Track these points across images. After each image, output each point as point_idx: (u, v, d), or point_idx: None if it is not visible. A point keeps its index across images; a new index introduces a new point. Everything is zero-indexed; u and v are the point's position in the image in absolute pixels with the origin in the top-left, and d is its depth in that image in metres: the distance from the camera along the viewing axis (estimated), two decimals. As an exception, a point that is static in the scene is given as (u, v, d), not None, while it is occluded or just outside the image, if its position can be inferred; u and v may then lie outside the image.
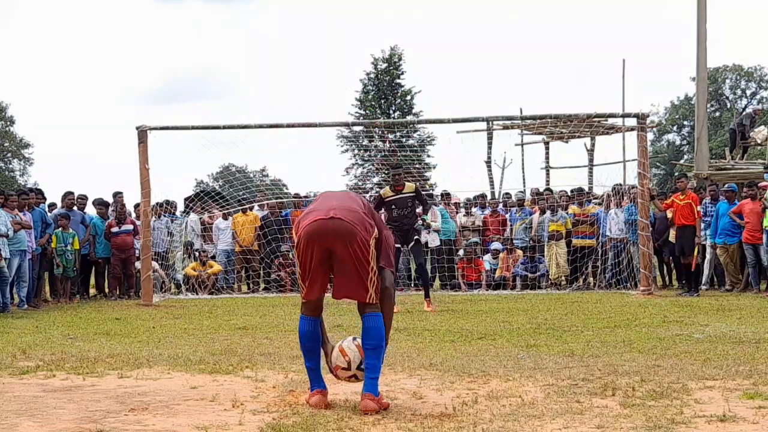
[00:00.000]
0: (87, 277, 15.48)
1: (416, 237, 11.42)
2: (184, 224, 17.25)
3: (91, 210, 15.54)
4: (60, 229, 13.53)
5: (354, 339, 4.78)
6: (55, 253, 13.41)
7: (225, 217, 16.87)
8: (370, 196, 20.46)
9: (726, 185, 14.91)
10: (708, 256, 14.40)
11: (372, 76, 39.85)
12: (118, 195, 15.87)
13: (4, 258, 11.63)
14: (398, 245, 10.99)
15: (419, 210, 11.86)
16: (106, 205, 15.51)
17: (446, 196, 17.87)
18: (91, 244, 14.90)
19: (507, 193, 18.62)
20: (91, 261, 15.07)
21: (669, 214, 15.02)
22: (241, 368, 6.04)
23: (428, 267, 16.19)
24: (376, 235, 4.63)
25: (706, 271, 14.55)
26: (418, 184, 12.28)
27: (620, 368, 5.77)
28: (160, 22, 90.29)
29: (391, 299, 4.73)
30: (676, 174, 26.78)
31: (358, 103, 39.78)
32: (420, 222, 11.64)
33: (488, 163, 22.18)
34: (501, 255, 15.91)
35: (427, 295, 11.70)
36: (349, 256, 4.50)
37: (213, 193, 19.50)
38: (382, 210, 11.18)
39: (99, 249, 14.97)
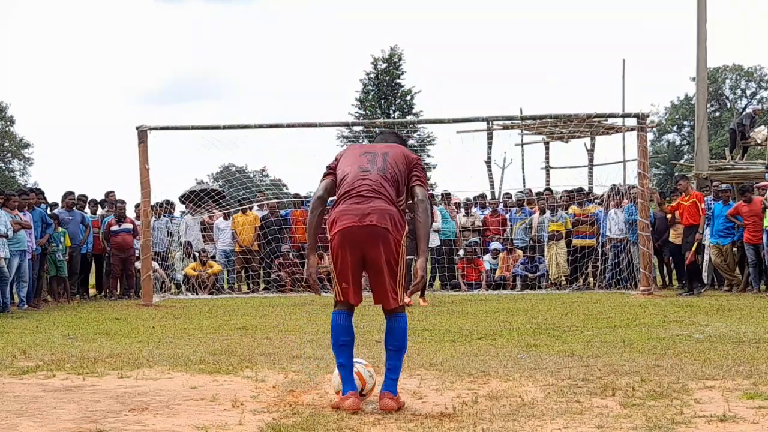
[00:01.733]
0: (87, 277, 15.50)
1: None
2: (181, 224, 17.26)
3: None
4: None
5: (354, 365, 4.75)
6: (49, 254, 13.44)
7: (226, 217, 16.88)
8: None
9: (721, 186, 14.87)
10: (706, 256, 14.39)
11: (372, 76, 39.84)
12: (110, 194, 15.94)
13: (4, 258, 11.63)
14: (410, 257, 11.38)
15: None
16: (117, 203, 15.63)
17: (446, 196, 17.87)
18: (102, 239, 15.06)
19: (507, 193, 18.63)
20: (92, 256, 15.15)
21: (669, 215, 15.04)
22: (241, 368, 6.04)
23: (428, 267, 16.22)
24: (407, 231, 4.67)
25: (705, 272, 14.54)
26: (430, 192, 13.17)
27: (620, 368, 5.77)
28: (161, 22, 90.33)
29: (426, 211, 4.66)
30: (676, 174, 26.77)
31: (358, 103, 39.77)
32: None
33: (488, 163, 22.18)
34: (501, 255, 15.91)
35: (422, 293, 12.20)
36: (381, 262, 4.52)
37: (210, 191, 19.48)
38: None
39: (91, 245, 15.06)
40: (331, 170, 4.77)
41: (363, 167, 4.64)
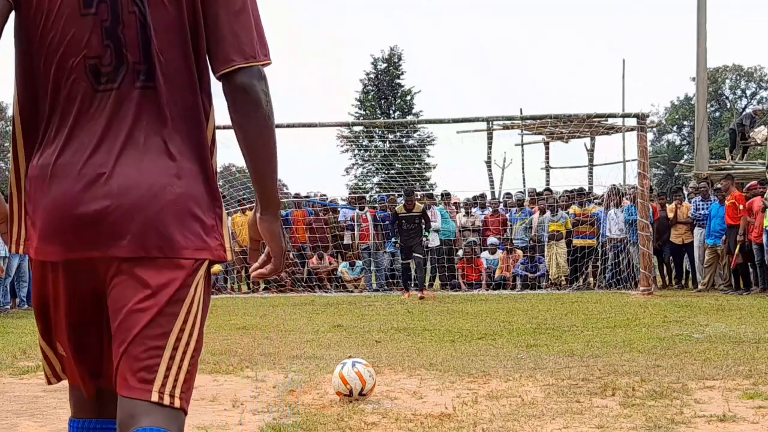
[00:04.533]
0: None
1: (418, 253, 13.73)
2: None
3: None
4: None
5: (354, 365, 4.75)
6: None
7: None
8: (370, 196, 20.47)
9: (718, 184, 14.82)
10: (706, 257, 14.34)
11: (372, 76, 39.92)
12: None
13: (3, 257, 11.62)
14: (417, 255, 13.72)
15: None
16: None
17: (446, 196, 17.86)
18: None
19: (507, 193, 18.64)
20: None
21: (670, 214, 15.02)
22: (241, 368, 6.04)
23: (428, 267, 16.23)
24: (224, 215, 2.08)
25: (703, 271, 14.51)
26: (425, 205, 14.64)
27: (620, 368, 5.77)
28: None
29: (258, 107, 1.90)
30: (676, 174, 26.71)
31: (358, 103, 39.84)
32: (423, 238, 13.99)
33: (488, 163, 22.19)
34: (501, 255, 15.90)
35: (422, 286, 13.83)
36: (137, 305, 1.88)
37: None
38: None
39: None
40: None
41: (92, 60, 1.79)
